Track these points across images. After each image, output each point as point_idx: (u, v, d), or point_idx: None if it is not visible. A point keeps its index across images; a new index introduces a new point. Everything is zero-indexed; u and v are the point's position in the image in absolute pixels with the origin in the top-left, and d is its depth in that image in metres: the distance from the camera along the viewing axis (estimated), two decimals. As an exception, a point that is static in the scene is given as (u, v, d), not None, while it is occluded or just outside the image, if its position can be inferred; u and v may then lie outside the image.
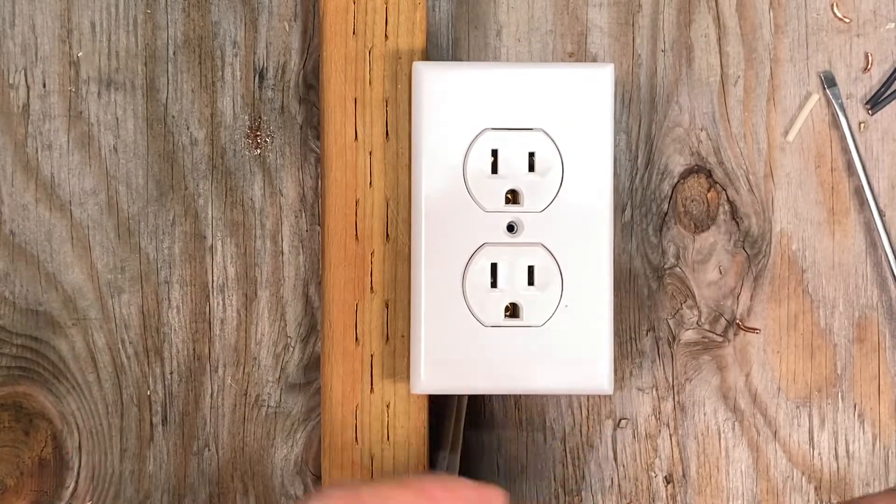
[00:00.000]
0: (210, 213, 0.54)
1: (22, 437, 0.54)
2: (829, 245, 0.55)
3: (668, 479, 0.55)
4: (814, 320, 0.55)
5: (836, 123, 0.55)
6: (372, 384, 0.51)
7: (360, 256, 0.51)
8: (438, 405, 0.53)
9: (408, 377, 0.51)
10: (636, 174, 0.55)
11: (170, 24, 0.54)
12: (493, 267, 0.50)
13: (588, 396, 0.55)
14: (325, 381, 0.51)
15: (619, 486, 0.55)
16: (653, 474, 0.55)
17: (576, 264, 0.50)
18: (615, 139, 0.51)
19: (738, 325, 0.55)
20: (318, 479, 0.54)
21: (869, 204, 0.54)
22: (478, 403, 0.55)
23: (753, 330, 0.55)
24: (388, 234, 0.51)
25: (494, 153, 0.50)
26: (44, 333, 0.54)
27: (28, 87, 0.54)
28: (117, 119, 0.54)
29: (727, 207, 0.55)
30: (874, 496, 0.45)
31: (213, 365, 0.54)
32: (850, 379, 0.55)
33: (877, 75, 0.55)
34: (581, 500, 0.55)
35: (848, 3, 0.55)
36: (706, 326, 0.55)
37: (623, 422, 0.55)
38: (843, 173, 0.55)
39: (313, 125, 0.54)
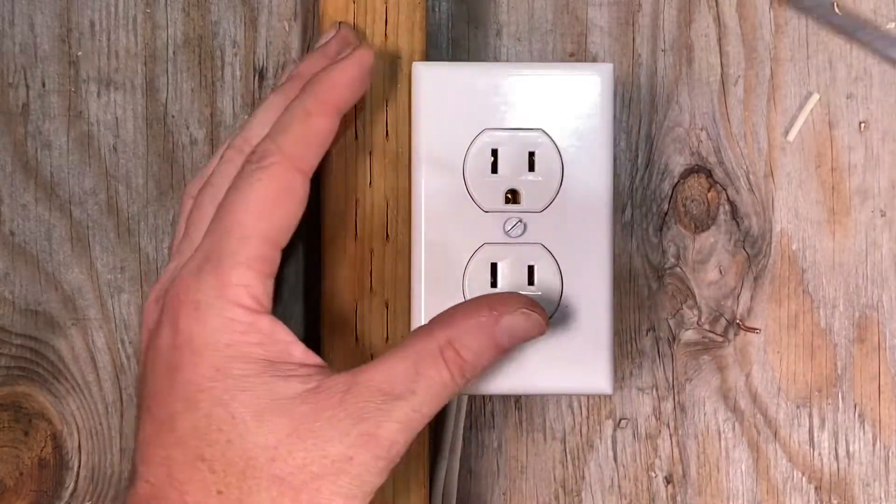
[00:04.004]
0: (210, 212, 0.54)
1: (21, 437, 0.54)
2: (829, 245, 0.55)
3: (669, 480, 0.55)
4: (814, 320, 0.55)
5: (836, 123, 0.55)
6: (372, 384, 0.51)
7: (360, 256, 0.51)
8: (438, 405, 0.53)
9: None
10: (636, 174, 0.54)
11: (169, 23, 0.54)
12: (493, 267, 0.49)
13: (588, 396, 0.55)
14: (325, 381, 0.51)
15: (619, 486, 0.55)
16: (653, 474, 0.55)
17: (576, 264, 0.50)
18: (615, 139, 0.51)
19: (738, 325, 0.55)
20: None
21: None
22: (478, 404, 0.55)
23: (754, 330, 0.55)
24: (387, 234, 0.51)
25: (494, 153, 0.50)
26: (43, 333, 0.54)
27: (27, 87, 0.54)
28: (117, 119, 0.54)
29: (727, 207, 0.55)
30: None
31: (213, 365, 0.54)
32: (851, 379, 0.55)
33: (877, 75, 0.55)
34: (581, 500, 0.55)
35: (848, 2, 0.55)
36: (706, 326, 0.55)
37: (623, 422, 0.55)
38: (843, 173, 0.55)
39: (313, 125, 0.54)
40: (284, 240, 0.44)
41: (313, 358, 0.43)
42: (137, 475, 0.42)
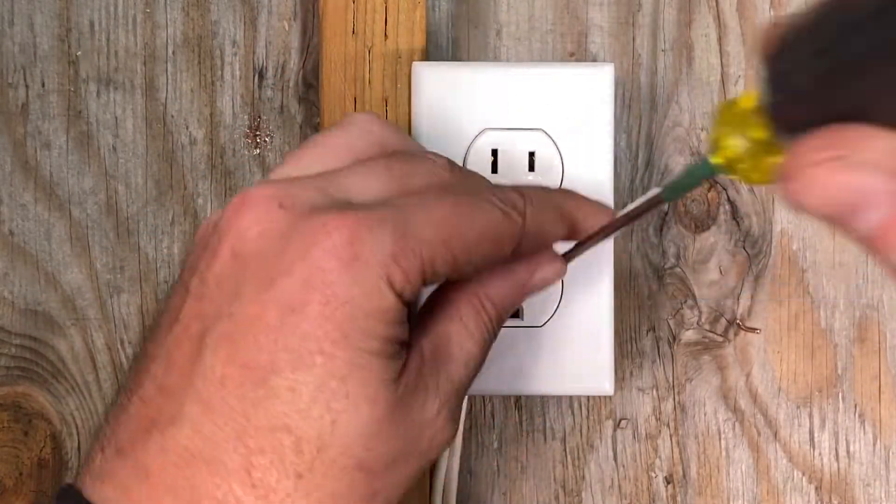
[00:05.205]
0: (209, 212, 0.54)
1: (21, 438, 0.54)
2: (829, 245, 0.55)
3: (669, 480, 0.55)
4: (814, 320, 0.55)
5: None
6: (372, 384, 0.51)
7: (360, 256, 0.51)
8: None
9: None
10: (636, 174, 0.54)
11: (169, 23, 0.54)
12: (493, 267, 0.49)
13: (588, 396, 0.55)
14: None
15: (619, 486, 0.55)
16: (653, 475, 0.55)
17: (576, 264, 0.50)
18: (615, 139, 0.51)
19: (738, 325, 0.55)
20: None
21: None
22: (478, 404, 0.55)
23: (754, 330, 0.55)
24: (387, 234, 0.51)
25: (494, 153, 0.50)
26: (43, 333, 0.54)
27: (27, 87, 0.54)
28: (116, 118, 0.54)
29: (728, 207, 0.55)
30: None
31: (213, 365, 0.54)
32: (851, 379, 0.55)
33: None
34: (581, 501, 0.55)
35: (849, 2, 0.54)
36: (706, 326, 0.55)
37: (623, 422, 0.55)
38: (843, 173, 0.54)
39: (313, 125, 0.54)
40: (461, 269, 0.39)
41: (403, 333, 0.38)
42: (182, 414, 0.35)
